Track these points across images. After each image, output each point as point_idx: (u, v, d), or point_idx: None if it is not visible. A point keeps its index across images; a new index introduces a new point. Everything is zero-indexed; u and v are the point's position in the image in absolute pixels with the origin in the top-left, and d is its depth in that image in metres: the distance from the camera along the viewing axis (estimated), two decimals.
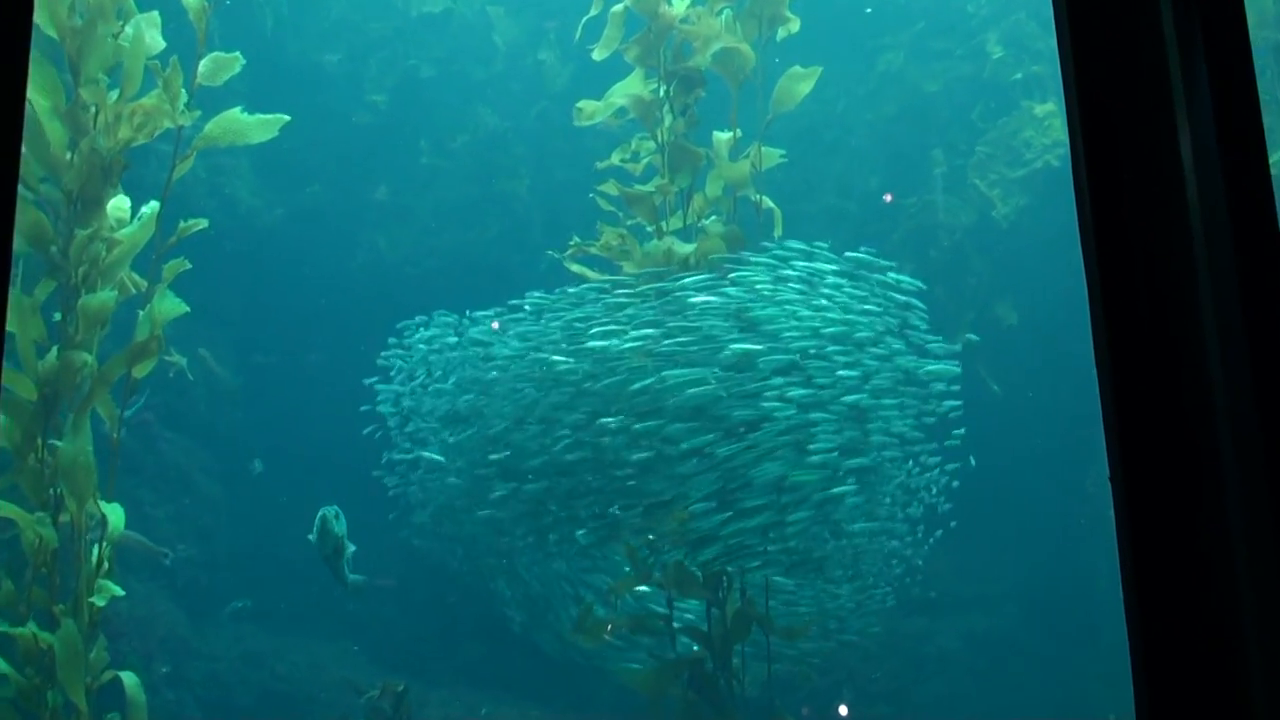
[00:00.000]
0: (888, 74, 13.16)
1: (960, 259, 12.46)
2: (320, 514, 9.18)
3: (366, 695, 10.11)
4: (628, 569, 8.74)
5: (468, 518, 10.21)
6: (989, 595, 9.84)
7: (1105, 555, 11.11)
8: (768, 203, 8.46)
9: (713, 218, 8.42)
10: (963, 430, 8.79)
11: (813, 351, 8.02)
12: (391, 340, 10.38)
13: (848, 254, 8.57)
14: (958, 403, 8.74)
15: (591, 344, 8.52)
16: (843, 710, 9.92)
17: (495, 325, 10.14)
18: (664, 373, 7.89)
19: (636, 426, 8.06)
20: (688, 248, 8.14)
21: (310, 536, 9.47)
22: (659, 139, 8.45)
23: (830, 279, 8.34)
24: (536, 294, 9.31)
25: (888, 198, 12.64)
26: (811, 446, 7.98)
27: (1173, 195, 1.96)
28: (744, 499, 8.06)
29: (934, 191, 12.53)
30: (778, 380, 7.90)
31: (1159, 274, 1.95)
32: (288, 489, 11.98)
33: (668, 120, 8.45)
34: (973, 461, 9.29)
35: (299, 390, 12.38)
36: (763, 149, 8.50)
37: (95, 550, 7.10)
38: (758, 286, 8.09)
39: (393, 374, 10.35)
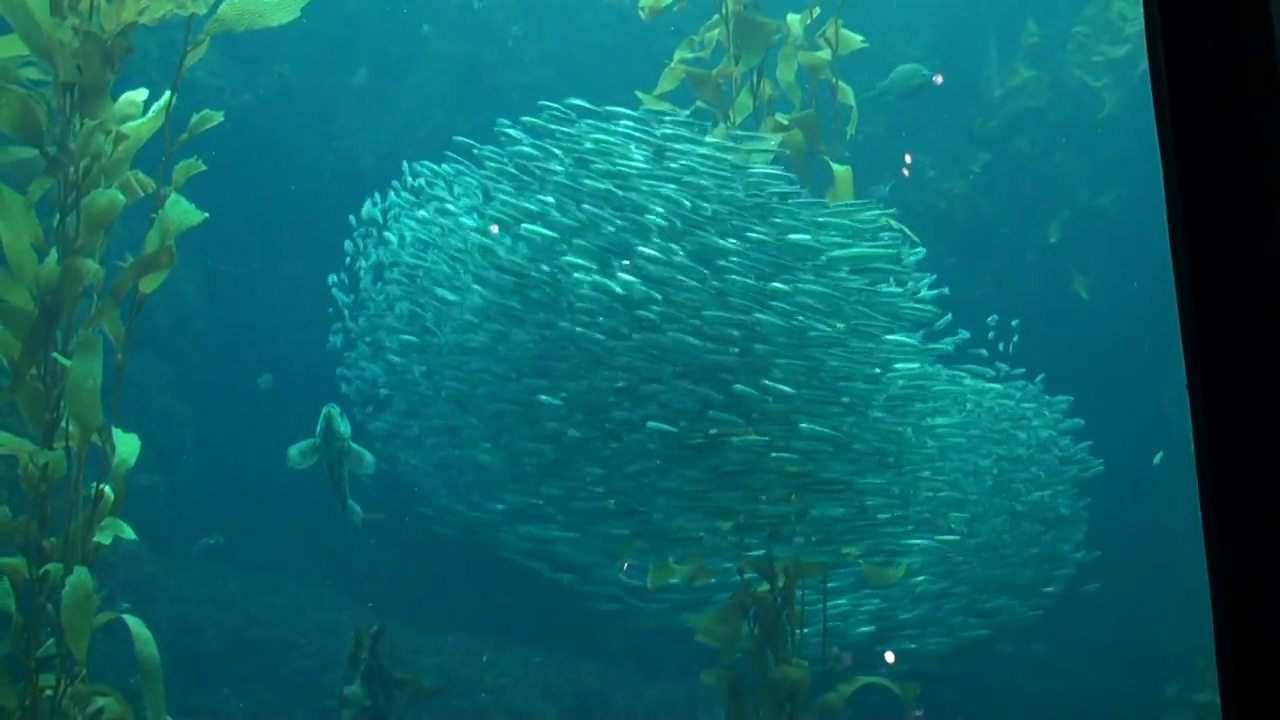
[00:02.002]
0: None
1: (1055, 147, 12.49)
2: (325, 411, 8.82)
3: (349, 651, 10.12)
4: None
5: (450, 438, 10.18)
6: None
7: (1183, 482, 11.34)
8: (846, 95, 8.42)
9: (777, 114, 8.38)
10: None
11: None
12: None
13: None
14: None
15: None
16: (889, 657, 10.20)
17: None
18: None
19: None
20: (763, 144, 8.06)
21: (294, 453, 8.98)
22: (724, 11, 8.35)
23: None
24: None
25: (938, 79, 12.54)
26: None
27: (1265, 70, 1.88)
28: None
29: (1025, 69, 12.50)
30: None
31: (1246, 159, 1.87)
32: (263, 410, 11.93)
33: None
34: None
35: (270, 300, 12.29)
36: (841, 30, 8.35)
37: (96, 485, 7.02)
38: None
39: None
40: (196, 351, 12.36)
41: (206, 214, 7.33)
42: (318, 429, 8.72)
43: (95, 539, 7.01)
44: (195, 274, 12.45)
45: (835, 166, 8.25)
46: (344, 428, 8.77)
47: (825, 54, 8.31)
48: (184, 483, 12.05)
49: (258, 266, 12.53)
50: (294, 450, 8.81)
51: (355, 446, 8.90)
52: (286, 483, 11.85)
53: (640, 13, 8.57)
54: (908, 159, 12.80)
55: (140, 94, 7.32)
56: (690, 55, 8.49)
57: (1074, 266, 12.30)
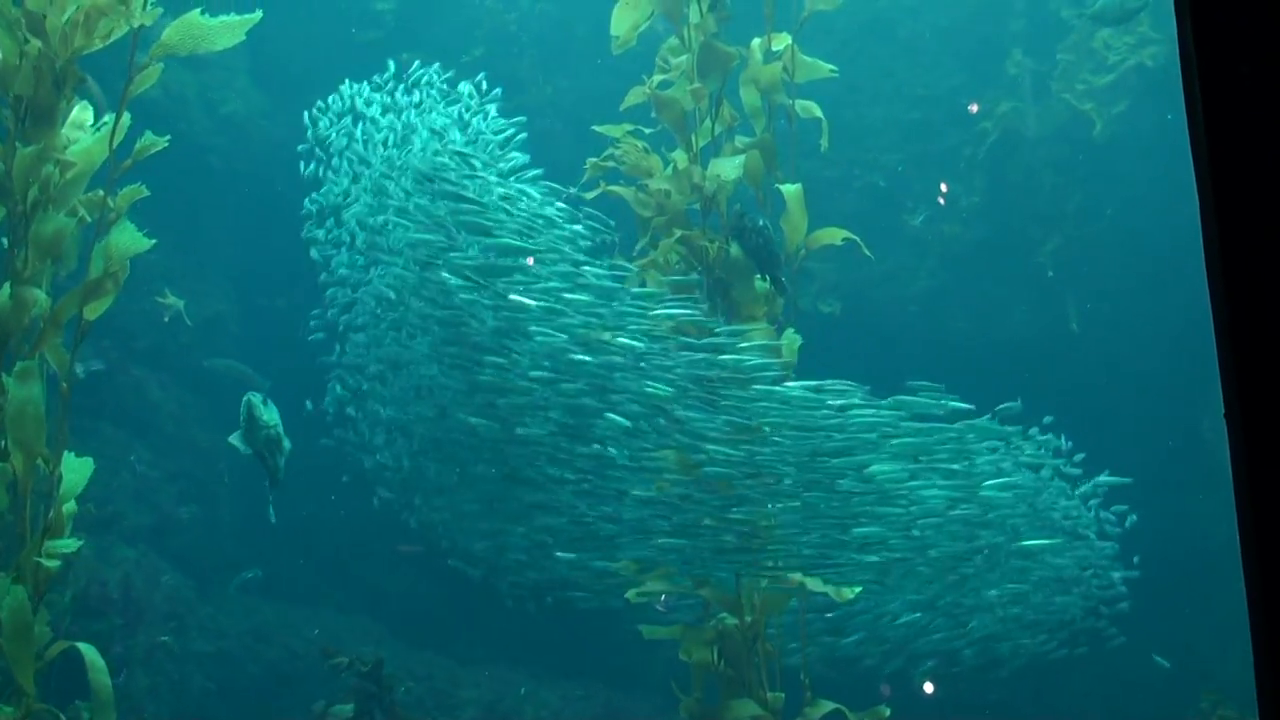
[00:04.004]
0: None
1: (1044, 176, 12.31)
2: (245, 399, 8.54)
3: (334, 660, 10.04)
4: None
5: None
6: None
7: (1222, 508, 10.79)
8: (813, 110, 8.27)
9: (738, 139, 8.27)
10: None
11: None
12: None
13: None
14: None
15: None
16: (928, 688, 9.91)
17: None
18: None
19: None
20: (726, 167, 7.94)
21: (233, 439, 8.75)
22: (686, 38, 8.26)
23: None
24: None
25: (973, 108, 12.40)
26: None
27: None
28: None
29: (1015, 99, 12.35)
30: None
31: None
32: (298, 443, 12.06)
33: (695, 17, 8.25)
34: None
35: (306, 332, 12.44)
36: (808, 60, 8.32)
37: (43, 511, 7.08)
38: None
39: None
40: (233, 385, 12.56)
41: (154, 241, 7.34)
42: (240, 417, 8.52)
43: (38, 559, 7.02)
44: (233, 307, 12.71)
45: (784, 188, 8.12)
46: (268, 415, 8.54)
47: (778, 70, 8.25)
48: (221, 516, 12.25)
49: (294, 298, 12.69)
50: (233, 437, 8.66)
51: (286, 439, 8.67)
52: (323, 515, 12.02)
53: (614, 42, 8.49)
54: (943, 188, 12.61)
55: (88, 111, 7.42)
56: (660, 78, 8.43)
57: (1069, 298, 12.03)
